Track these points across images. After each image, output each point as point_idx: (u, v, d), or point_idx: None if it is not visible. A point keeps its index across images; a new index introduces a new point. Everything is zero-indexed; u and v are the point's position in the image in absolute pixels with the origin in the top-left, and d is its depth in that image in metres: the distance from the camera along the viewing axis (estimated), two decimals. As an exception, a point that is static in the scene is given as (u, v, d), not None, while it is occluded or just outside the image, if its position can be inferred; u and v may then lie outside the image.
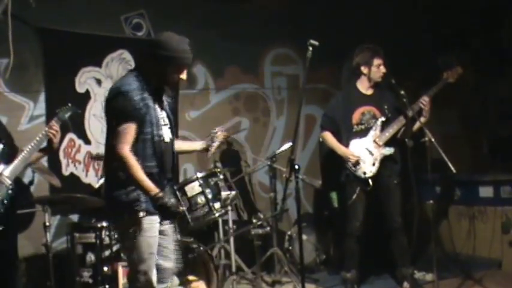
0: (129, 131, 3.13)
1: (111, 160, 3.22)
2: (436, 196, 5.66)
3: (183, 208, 3.41)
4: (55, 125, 4.05)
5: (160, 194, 3.15)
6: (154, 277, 3.27)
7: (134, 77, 3.24)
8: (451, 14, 6.36)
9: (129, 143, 3.13)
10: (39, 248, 4.75)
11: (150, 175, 3.18)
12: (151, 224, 3.21)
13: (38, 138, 4.00)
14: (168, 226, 3.38)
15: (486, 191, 5.48)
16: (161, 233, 3.31)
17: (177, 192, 3.57)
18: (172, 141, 3.40)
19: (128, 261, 3.36)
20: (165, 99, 3.41)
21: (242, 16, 6.03)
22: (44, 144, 4.06)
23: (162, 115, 3.35)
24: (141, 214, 3.16)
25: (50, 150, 4.23)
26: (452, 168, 4.34)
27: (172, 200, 3.25)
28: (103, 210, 4.63)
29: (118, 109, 3.16)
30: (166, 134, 3.34)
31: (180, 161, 5.85)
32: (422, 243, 4.96)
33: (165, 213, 3.23)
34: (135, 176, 3.12)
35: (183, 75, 3.39)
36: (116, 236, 3.43)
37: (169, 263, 3.41)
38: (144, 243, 3.19)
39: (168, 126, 3.38)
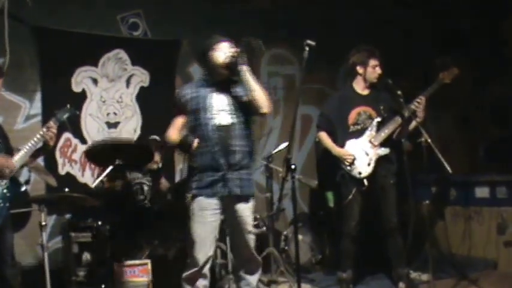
0: None
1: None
2: (432, 196, 5.66)
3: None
4: (53, 127, 4.00)
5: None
6: None
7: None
8: (450, 14, 6.37)
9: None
10: (35, 248, 4.76)
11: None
12: None
13: (35, 139, 3.96)
14: None
15: (482, 192, 5.47)
16: None
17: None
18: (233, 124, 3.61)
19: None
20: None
21: (239, 16, 6.01)
22: (40, 145, 4.04)
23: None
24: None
25: (45, 152, 4.21)
26: (449, 168, 4.33)
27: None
28: (99, 209, 4.69)
29: None
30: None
31: (177, 160, 5.85)
32: (418, 244, 4.95)
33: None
34: None
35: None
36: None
37: None
38: None
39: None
